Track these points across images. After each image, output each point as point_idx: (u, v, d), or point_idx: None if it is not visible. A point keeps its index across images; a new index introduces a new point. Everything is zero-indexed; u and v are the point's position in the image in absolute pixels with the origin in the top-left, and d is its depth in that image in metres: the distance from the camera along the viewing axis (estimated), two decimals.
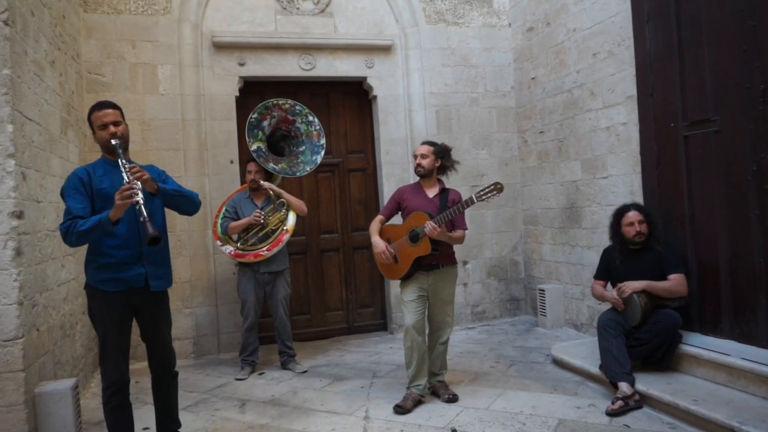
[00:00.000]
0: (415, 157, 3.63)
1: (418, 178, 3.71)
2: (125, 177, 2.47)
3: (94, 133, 2.69)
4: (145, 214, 2.40)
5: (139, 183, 2.47)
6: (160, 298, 2.78)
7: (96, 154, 4.61)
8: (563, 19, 5.02)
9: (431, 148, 3.61)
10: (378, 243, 3.55)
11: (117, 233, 2.56)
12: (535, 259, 5.67)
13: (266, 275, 4.33)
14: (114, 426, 2.66)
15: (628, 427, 3.05)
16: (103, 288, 2.58)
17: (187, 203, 2.80)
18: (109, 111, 2.65)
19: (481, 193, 3.28)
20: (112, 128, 2.61)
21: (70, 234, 2.46)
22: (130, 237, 2.61)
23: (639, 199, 4.12)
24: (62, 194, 2.60)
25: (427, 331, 3.65)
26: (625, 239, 3.70)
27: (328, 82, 5.49)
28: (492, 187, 3.27)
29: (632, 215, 3.67)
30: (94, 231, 2.46)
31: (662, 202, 3.97)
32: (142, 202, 2.42)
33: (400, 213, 3.70)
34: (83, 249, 4.20)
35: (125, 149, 2.64)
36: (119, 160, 2.55)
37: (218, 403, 3.75)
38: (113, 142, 2.59)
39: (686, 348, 3.52)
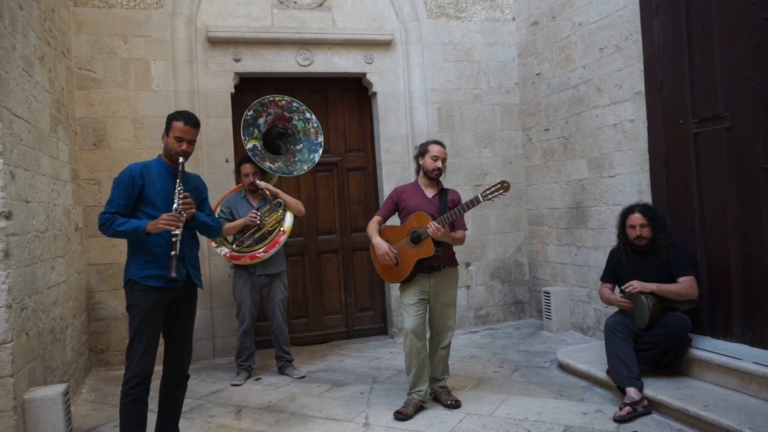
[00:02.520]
0: (435, 159, 3.51)
1: (416, 178, 3.66)
2: (176, 203, 2.70)
3: (167, 135, 2.83)
4: (177, 250, 2.64)
5: (185, 215, 2.70)
6: (194, 297, 2.94)
7: (87, 153, 4.63)
8: (569, 13, 4.93)
9: (445, 150, 3.56)
10: (380, 244, 3.46)
11: (159, 233, 2.71)
12: (540, 260, 5.58)
13: (263, 278, 4.26)
14: (129, 419, 2.67)
15: None
16: (147, 283, 2.71)
17: (208, 232, 3.01)
18: (194, 130, 2.83)
19: (487, 192, 3.22)
20: (185, 146, 2.80)
21: (107, 227, 2.69)
22: (170, 236, 2.72)
23: (647, 199, 4.05)
24: (112, 186, 2.78)
25: (428, 335, 3.57)
26: (628, 240, 3.65)
27: (326, 79, 5.40)
28: (498, 186, 3.20)
29: (635, 218, 3.61)
30: (129, 235, 2.70)
31: (671, 201, 3.90)
32: (179, 237, 2.66)
33: (397, 214, 3.61)
34: (75, 252, 4.17)
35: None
36: (177, 182, 2.75)
37: (213, 409, 3.69)
38: (180, 159, 2.78)
39: (696, 352, 3.47)
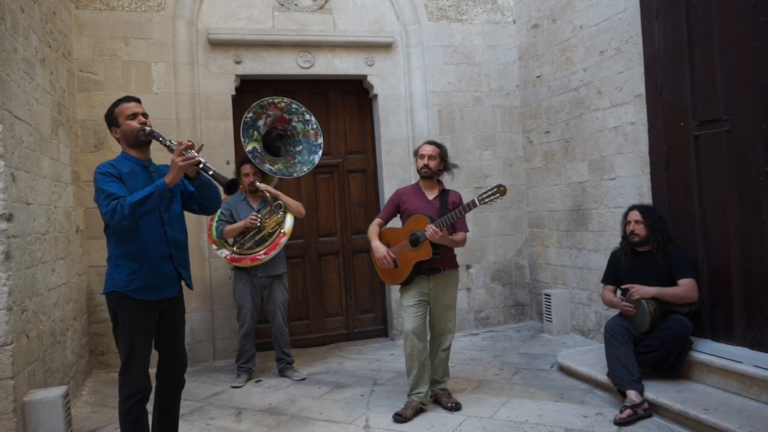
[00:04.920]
0: (421, 157, 3.53)
1: (417, 180, 3.65)
2: (176, 147, 2.46)
3: (117, 127, 2.59)
4: (212, 167, 2.46)
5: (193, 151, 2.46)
6: (181, 302, 2.75)
7: (87, 155, 4.63)
8: (569, 16, 4.93)
9: (437, 149, 3.55)
10: (378, 248, 3.47)
11: (140, 235, 2.51)
12: (541, 263, 5.57)
13: (263, 279, 4.26)
14: None
15: None
16: (136, 296, 2.50)
17: (216, 194, 2.74)
18: (138, 104, 2.62)
19: (484, 195, 3.24)
20: (142, 118, 2.57)
21: (120, 209, 2.35)
22: (154, 237, 2.55)
23: (648, 201, 4.04)
24: (98, 185, 2.49)
25: (428, 338, 3.57)
26: (628, 240, 3.68)
27: (327, 81, 5.40)
28: (495, 189, 3.22)
29: (632, 214, 3.68)
30: (149, 199, 2.38)
31: (672, 203, 3.90)
32: (204, 160, 2.45)
33: (399, 216, 3.61)
34: (75, 254, 4.17)
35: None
36: (160, 139, 2.53)
37: (213, 411, 3.68)
38: (147, 128, 2.55)
39: (697, 355, 3.46)
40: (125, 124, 2.57)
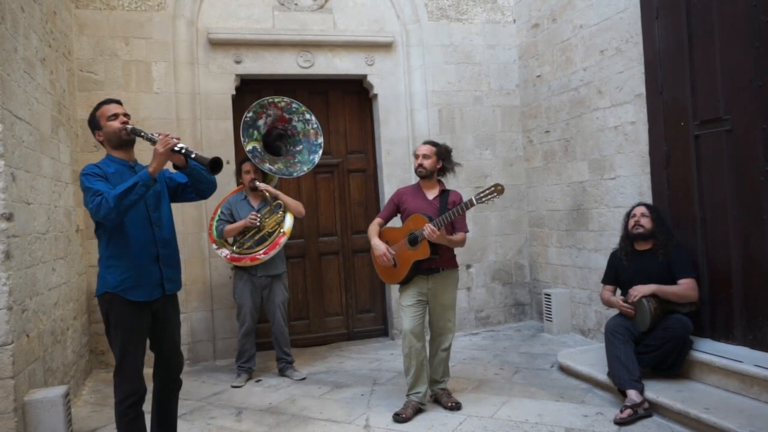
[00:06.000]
0: (416, 156, 3.55)
1: (418, 180, 3.64)
2: (156, 140, 2.48)
3: (100, 129, 2.60)
4: (193, 151, 2.47)
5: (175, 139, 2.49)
6: (175, 302, 2.75)
7: (88, 155, 4.62)
8: (569, 15, 4.93)
9: (433, 149, 3.54)
10: (378, 245, 3.47)
11: (129, 235, 2.52)
12: (541, 262, 5.57)
13: (263, 279, 4.26)
14: None
15: None
16: (128, 297, 2.50)
17: (210, 177, 2.70)
18: (120, 105, 2.65)
19: (481, 194, 3.25)
20: (123, 117, 2.59)
21: (105, 203, 2.35)
22: (143, 237, 2.56)
23: (648, 201, 4.04)
24: (84, 185, 2.47)
25: (428, 337, 3.56)
26: (629, 236, 3.66)
27: (327, 80, 5.40)
28: (492, 188, 3.23)
29: (637, 209, 3.69)
30: (134, 189, 2.37)
31: (672, 203, 3.89)
32: (186, 146, 2.48)
33: (399, 215, 3.61)
34: (76, 254, 4.17)
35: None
36: (142, 134, 2.55)
37: (214, 411, 3.68)
38: (128, 127, 2.57)
39: (697, 354, 3.46)
40: (107, 126, 2.58)
